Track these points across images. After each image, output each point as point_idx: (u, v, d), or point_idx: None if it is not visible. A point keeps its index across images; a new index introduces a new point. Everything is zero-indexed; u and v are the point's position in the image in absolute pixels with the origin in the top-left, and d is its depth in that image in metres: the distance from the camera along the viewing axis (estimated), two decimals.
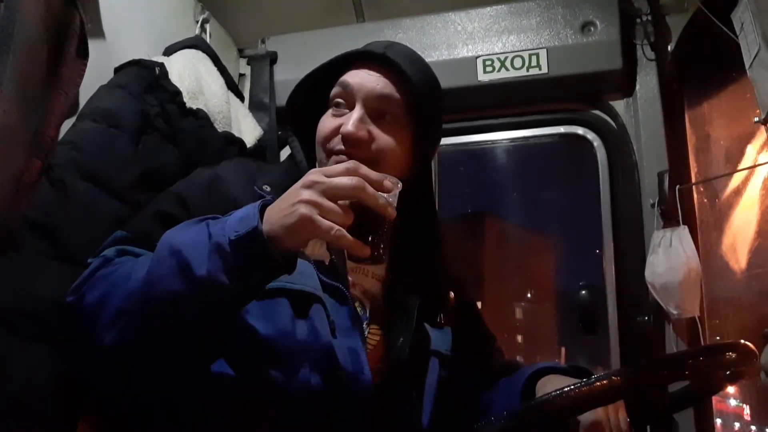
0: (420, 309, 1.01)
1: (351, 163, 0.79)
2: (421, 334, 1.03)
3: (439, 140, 1.12)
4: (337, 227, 0.73)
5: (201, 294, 0.75)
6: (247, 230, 0.74)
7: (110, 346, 0.79)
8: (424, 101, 1.00)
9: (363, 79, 0.97)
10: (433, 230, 1.09)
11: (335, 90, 1.00)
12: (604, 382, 0.75)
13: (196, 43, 1.53)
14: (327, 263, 0.81)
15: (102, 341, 0.79)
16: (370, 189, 0.76)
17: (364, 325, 0.96)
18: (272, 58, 1.85)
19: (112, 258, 0.88)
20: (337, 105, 0.99)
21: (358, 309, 0.96)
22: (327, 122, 0.99)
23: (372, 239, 0.77)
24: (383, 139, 0.95)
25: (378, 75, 0.98)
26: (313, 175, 0.78)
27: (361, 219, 0.76)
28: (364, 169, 0.78)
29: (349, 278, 0.97)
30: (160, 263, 0.78)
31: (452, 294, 1.12)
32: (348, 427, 0.88)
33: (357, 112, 0.95)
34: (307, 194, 0.75)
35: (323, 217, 0.73)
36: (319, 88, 1.03)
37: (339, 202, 0.75)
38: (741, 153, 1.71)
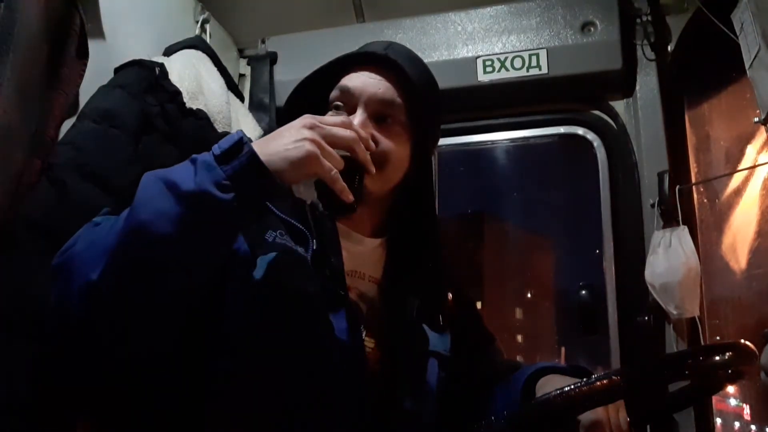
0: (418, 311, 1.01)
1: (345, 117, 0.87)
2: (420, 335, 1.02)
3: (438, 140, 1.12)
4: (335, 170, 0.79)
5: (190, 208, 0.73)
6: (230, 144, 0.76)
7: (96, 283, 0.74)
8: (425, 103, 0.99)
9: (364, 83, 0.96)
10: (432, 231, 1.09)
11: (335, 93, 0.98)
12: (604, 382, 0.75)
13: (196, 43, 1.53)
14: (308, 204, 0.85)
15: (88, 278, 0.75)
16: (362, 144, 0.84)
17: (362, 328, 0.96)
18: (272, 58, 1.85)
19: (100, 223, 0.86)
20: (337, 108, 0.97)
21: (356, 312, 0.96)
22: None
23: (352, 190, 0.83)
24: (386, 142, 0.95)
25: (379, 78, 0.96)
26: (311, 118, 0.81)
27: (344, 169, 0.82)
28: (356, 126, 0.86)
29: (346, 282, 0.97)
30: (146, 189, 0.77)
31: (450, 295, 1.12)
32: (346, 430, 0.88)
33: (359, 116, 0.94)
34: (310, 134, 0.78)
35: (324, 159, 0.78)
36: (319, 89, 1.03)
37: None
38: (741, 153, 1.72)
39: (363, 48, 1.03)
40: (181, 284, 0.78)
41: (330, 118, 0.84)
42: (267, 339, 0.85)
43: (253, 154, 0.75)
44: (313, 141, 0.78)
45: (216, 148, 0.76)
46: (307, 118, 0.81)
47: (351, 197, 0.82)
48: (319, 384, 0.86)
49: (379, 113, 0.96)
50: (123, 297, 0.76)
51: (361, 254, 1.00)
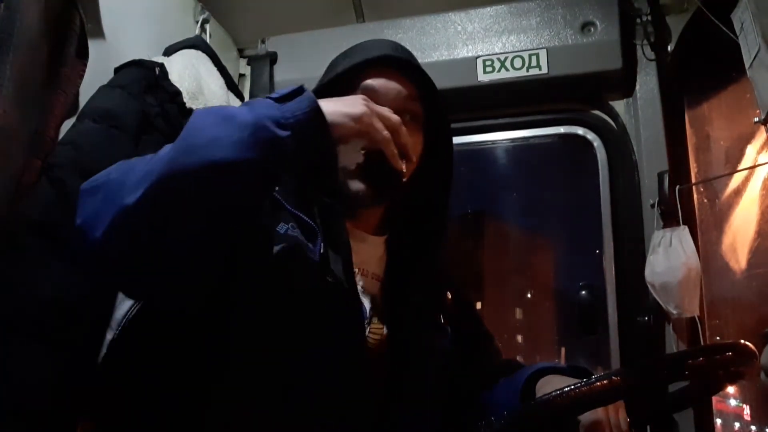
0: (420, 308, 1.02)
1: (390, 110, 0.89)
2: (422, 333, 1.03)
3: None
4: (387, 132, 0.82)
5: (247, 138, 0.73)
6: (290, 90, 0.78)
7: (132, 207, 0.71)
8: (439, 105, 1.03)
9: (388, 83, 0.99)
10: (440, 230, 1.09)
11: (359, 94, 0.99)
12: (604, 382, 0.75)
13: (196, 43, 1.53)
14: (353, 169, 0.89)
15: (123, 203, 0.72)
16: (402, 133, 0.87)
17: (366, 325, 0.97)
18: (272, 58, 1.85)
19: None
20: None
21: (360, 309, 0.96)
22: None
23: (388, 176, 0.88)
24: (411, 139, 0.96)
25: (400, 79, 1.00)
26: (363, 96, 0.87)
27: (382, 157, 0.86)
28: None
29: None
30: (200, 119, 0.77)
31: (449, 294, 1.13)
32: (349, 425, 0.88)
33: None
34: (364, 101, 0.83)
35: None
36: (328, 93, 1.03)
37: None
38: (741, 153, 1.72)
39: (371, 49, 1.03)
40: (214, 222, 0.76)
41: (377, 106, 0.87)
42: (273, 331, 0.86)
43: (314, 99, 0.78)
44: (367, 106, 0.82)
45: (275, 94, 0.79)
46: (359, 95, 0.87)
47: (401, 166, 0.86)
48: (322, 379, 0.86)
49: (402, 111, 0.97)
50: (156, 225, 0.74)
51: (365, 252, 1.01)
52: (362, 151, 0.90)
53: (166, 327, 0.91)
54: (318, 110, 0.77)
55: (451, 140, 1.07)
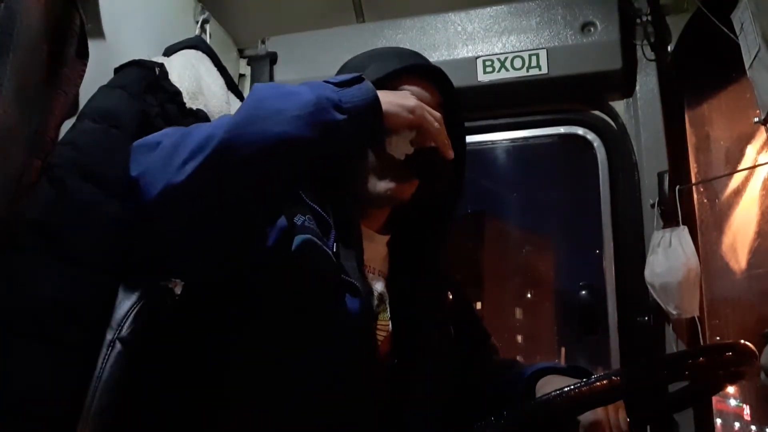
0: (423, 307, 1.03)
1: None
2: (424, 331, 1.03)
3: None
4: (438, 124, 0.88)
5: (308, 115, 0.75)
6: (349, 78, 0.81)
7: (180, 184, 0.74)
8: (458, 110, 1.05)
9: (422, 91, 1.01)
10: (441, 233, 1.10)
11: None
12: (604, 382, 0.75)
13: (196, 44, 1.53)
14: (402, 158, 0.91)
15: (174, 177, 0.75)
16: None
17: (373, 320, 0.97)
18: (272, 58, 1.85)
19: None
20: None
21: (369, 304, 0.97)
22: None
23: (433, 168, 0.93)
24: None
25: (430, 86, 1.03)
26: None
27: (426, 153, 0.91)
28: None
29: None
30: (264, 91, 0.79)
31: (450, 293, 1.14)
32: (354, 422, 0.88)
33: None
34: (416, 97, 0.89)
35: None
36: None
37: None
38: (741, 153, 1.72)
39: (406, 57, 1.06)
40: (271, 190, 0.79)
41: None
42: (283, 326, 0.86)
43: (373, 88, 0.81)
44: (418, 101, 0.87)
45: (333, 79, 0.82)
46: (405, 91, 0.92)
47: (452, 153, 0.91)
48: (330, 375, 0.86)
49: None
50: (201, 202, 0.76)
51: (373, 250, 1.02)
52: (409, 144, 0.92)
53: (169, 325, 0.91)
54: (377, 98, 0.80)
55: (465, 148, 1.08)
